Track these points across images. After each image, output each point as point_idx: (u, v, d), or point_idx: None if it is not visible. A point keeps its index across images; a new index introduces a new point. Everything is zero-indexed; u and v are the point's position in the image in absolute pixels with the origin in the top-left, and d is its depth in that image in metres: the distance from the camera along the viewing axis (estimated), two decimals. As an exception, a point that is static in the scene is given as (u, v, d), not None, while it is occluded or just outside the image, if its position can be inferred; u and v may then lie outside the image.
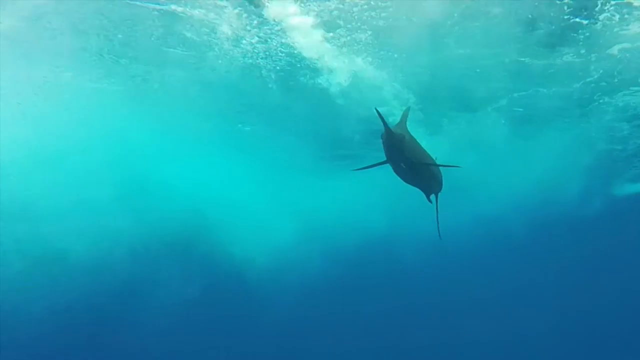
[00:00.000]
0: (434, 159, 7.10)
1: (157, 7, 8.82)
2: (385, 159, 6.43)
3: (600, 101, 13.68)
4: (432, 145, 7.54)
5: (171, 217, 21.21)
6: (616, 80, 12.08)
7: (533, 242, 37.01)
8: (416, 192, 7.63)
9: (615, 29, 9.47)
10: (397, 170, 6.66)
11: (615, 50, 10.41)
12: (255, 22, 9.27)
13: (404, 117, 7.07)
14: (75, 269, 18.86)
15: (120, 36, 9.95)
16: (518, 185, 25.05)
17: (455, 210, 31.57)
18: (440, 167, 7.10)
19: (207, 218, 22.48)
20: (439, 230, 7.69)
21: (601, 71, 11.46)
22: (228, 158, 19.82)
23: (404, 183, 7.11)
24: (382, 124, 5.73)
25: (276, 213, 26.03)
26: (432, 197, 7.49)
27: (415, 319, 25.81)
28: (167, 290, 20.07)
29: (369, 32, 9.59)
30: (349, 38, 9.87)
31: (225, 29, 9.60)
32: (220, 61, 11.05)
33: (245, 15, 9.03)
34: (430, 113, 15.56)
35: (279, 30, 9.59)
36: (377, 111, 5.49)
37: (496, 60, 10.87)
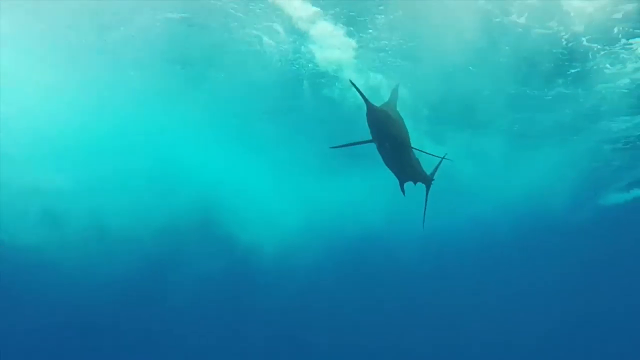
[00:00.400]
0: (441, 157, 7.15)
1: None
2: (370, 137, 6.25)
3: (587, 126, 15.74)
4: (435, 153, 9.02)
5: (195, 202, 23.08)
6: (601, 109, 14.10)
7: (524, 246, 38.78)
8: (418, 193, 7.69)
9: (600, 71, 11.52)
10: (381, 150, 6.44)
11: (599, 87, 12.42)
12: (296, 39, 11.20)
13: (393, 95, 6.83)
14: (116, 242, 20.72)
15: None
16: (512, 192, 26.89)
17: (453, 213, 33.58)
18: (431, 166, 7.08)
19: (225, 206, 24.34)
20: (424, 222, 7.47)
21: (588, 103, 13.51)
22: (248, 153, 21.62)
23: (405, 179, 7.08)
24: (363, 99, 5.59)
25: (286, 206, 27.83)
26: (420, 193, 7.33)
27: (412, 311, 27.43)
28: (190, 267, 22.00)
29: (396, 58, 11.54)
30: (378, 63, 11.85)
31: (269, 42, 11.48)
32: (261, 67, 12.84)
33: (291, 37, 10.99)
34: (436, 125, 17.50)
35: (314, 46, 11.45)
36: (354, 84, 5.39)
37: (499, 88, 12.88)
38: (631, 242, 35.58)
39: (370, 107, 5.81)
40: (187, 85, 14.09)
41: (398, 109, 6.74)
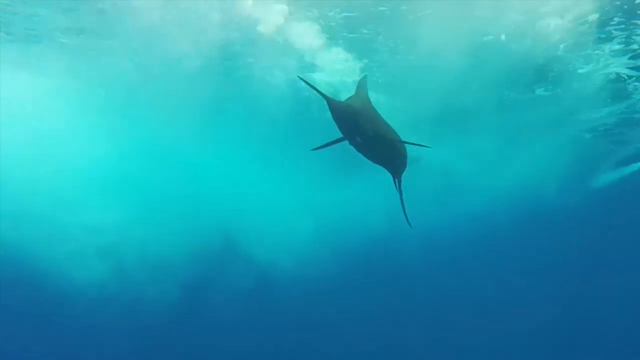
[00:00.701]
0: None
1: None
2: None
3: (568, 119, 17.35)
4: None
5: (217, 226, 24.51)
6: (579, 103, 15.69)
7: (523, 235, 40.09)
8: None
9: (575, 72, 13.09)
10: (355, 146, 6.03)
11: (575, 85, 13.99)
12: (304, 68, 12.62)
13: (361, 87, 6.41)
14: (157, 269, 22.04)
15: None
16: (506, 185, 28.45)
17: (451, 209, 34.96)
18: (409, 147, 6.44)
19: (242, 228, 25.78)
20: (406, 217, 6.80)
21: (567, 100, 15.11)
22: (263, 176, 23.21)
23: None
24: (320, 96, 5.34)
25: (296, 219, 29.18)
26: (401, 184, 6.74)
27: (424, 308, 28.47)
28: (220, 285, 23.28)
29: (396, 77, 13.02)
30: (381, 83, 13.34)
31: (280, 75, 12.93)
32: (274, 97, 14.22)
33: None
34: (435, 127, 19.06)
35: (321, 73, 12.88)
36: (303, 80, 5.23)
37: (487, 96, 14.42)
38: (625, 219, 37.01)
39: (330, 102, 5.55)
40: (212, 122, 15.49)
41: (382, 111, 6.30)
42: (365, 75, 6.82)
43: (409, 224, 6.81)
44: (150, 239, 21.81)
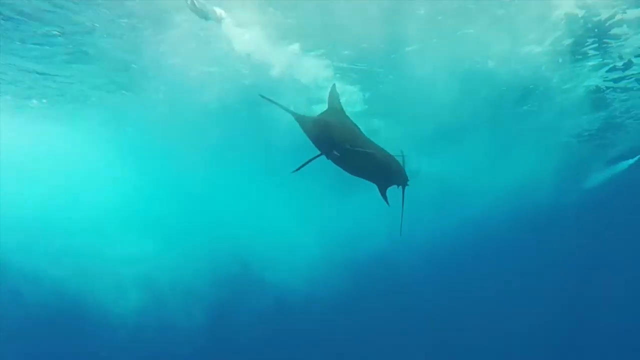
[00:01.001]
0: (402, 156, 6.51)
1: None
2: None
3: (555, 127, 18.67)
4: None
5: (234, 253, 25.77)
6: (563, 114, 16.98)
7: (520, 239, 41.10)
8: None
9: (559, 87, 14.37)
10: (334, 160, 5.81)
11: (559, 98, 15.25)
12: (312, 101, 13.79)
13: (331, 98, 6.19)
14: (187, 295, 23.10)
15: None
16: (501, 191, 29.66)
17: (448, 216, 36.01)
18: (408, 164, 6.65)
19: (257, 254, 27.03)
20: (401, 226, 6.67)
21: (552, 112, 16.38)
22: (274, 204, 24.57)
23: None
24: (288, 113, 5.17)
25: (305, 241, 30.33)
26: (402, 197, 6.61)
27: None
28: (241, 309, 24.22)
29: (399, 106, 14.24)
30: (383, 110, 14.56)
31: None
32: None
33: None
34: (435, 140, 20.24)
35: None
36: (267, 98, 5.10)
37: (479, 113, 15.66)
38: (618, 216, 38.10)
39: (298, 118, 5.46)
40: (226, 157, 16.66)
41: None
42: (334, 85, 6.55)
43: (401, 232, 6.67)
44: (178, 267, 22.93)
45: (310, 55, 11.44)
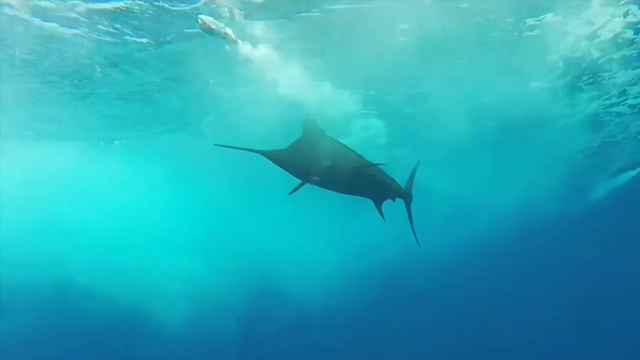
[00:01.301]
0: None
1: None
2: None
3: (558, 146, 20.26)
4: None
5: (256, 269, 27.47)
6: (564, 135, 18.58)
7: (529, 252, 41.97)
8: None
9: (559, 115, 15.97)
10: (317, 184, 5.81)
11: (561, 123, 16.83)
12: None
13: (307, 127, 6.20)
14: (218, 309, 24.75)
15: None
16: (509, 207, 30.99)
17: (455, 234, 37.24)
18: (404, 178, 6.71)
19: (276, 270, 28.64)
20: (416, 238, 6.80)
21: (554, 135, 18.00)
22: (290, 221, 26.31)
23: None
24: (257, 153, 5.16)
25: (321, 256, 31.78)
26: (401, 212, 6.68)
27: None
28: (265, 322, 25.75)
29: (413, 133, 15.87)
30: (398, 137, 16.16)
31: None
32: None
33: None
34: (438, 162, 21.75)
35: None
36: (223, 145, 5.06)
37: (483, 140, 17.33)
38: (623, 226, 39.04)
39: (265, 153, 5.48)
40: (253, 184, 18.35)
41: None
42: (308, 113, 6.74)
43: (418, 243, 6.83)
44: (214, 283, 24.60)
45: (341, 92, 13.01)
